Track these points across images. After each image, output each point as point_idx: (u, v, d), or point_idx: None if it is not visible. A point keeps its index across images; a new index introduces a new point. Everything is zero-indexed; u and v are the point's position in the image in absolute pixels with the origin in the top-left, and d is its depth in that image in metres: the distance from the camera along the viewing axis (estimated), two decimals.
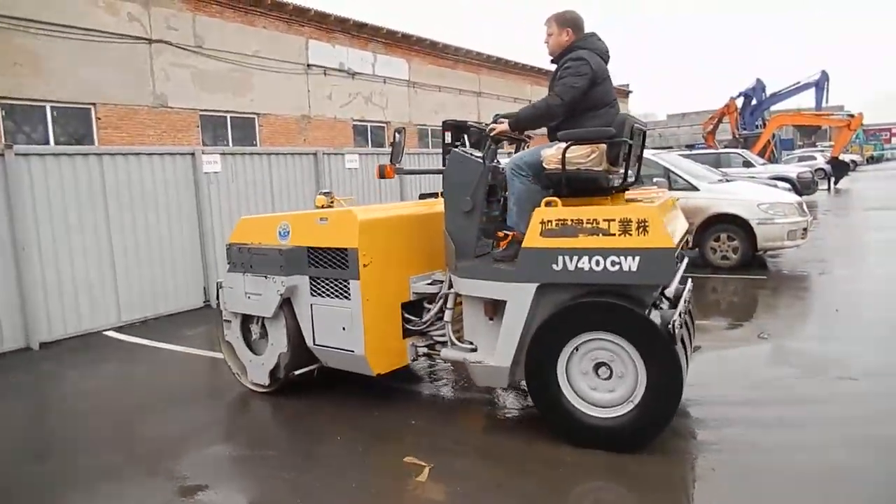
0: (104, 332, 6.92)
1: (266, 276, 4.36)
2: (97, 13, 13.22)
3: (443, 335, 4.12)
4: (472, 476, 3.39)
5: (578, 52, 3.78)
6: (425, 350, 4.28)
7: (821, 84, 20.20)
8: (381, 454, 3.80)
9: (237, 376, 4.86)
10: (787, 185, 13.64)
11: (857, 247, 10.45)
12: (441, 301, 4.14)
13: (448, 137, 9.55)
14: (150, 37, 14.19)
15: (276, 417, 4.44)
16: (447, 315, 4.06)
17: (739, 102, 26.12)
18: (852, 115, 20.96)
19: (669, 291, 3.48)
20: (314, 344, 4.32)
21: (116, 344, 6.60)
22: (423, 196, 9.23)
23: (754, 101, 25.75)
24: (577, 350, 3.54)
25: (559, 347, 3.53)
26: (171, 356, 6.12)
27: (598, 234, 3.37)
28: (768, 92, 25.89)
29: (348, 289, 4.07)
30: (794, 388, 4.40)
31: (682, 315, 3.57)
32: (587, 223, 3.39)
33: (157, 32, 14.33)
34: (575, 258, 3.41)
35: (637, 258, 3.29)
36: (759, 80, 25.62)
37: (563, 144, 3.59)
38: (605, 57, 3.89)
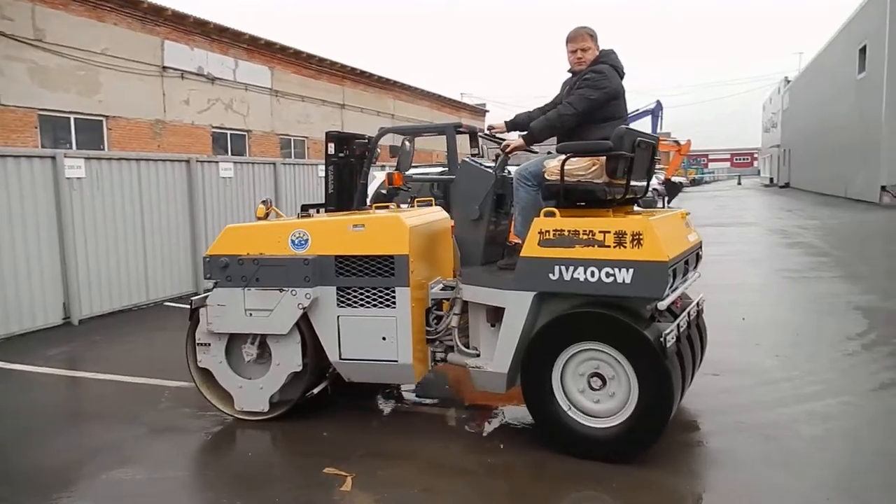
0: None
1: (281, 290, 4.02)
2: None
3: (450, 341, 4.12)
4: (396, 483, 3.46)
5: (601, 66, 3.92)
6: (442, 356, 4.18)
7: (656, 112, 22.28)
8: (299, 467, 3.76)
9: (215, 406, 4.34)
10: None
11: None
12: (451, 306, 4.12)
13: (331, 148, 9.41)
14: None
15: (176, 437, 4.21)
16: (453, 320, 4.06)
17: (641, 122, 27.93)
18: (678, 142, 23.26)
19: (662, 305, 3.43)
20: (340, 359, 4.08)
21: None
22: (304, 207, 9.11)
23: (657, 120, 27.60)
24: (571, 359, 3.57)
25: (554, 356, 3.56)
26: (36, 379, 5.55)
27: (593, 246, 3.41)
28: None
29: (393, 297, 3.94)
30: None
31: (682, 329, 3.57)
32: (583, 234, 3.44)
33: None
34: (571, 268, 3.45)
35: (631, 270, 3.33)
36: (658, 102, 27.53)
37: (562, 157, 3.65)
38: (621, 73, 4.02)
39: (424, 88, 33.08)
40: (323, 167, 9.62)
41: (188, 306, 4.31)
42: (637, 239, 3.34)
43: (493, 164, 4.12)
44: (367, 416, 4.48)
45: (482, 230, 3.96)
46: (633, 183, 3.76)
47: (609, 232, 3.40)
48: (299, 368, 4.13)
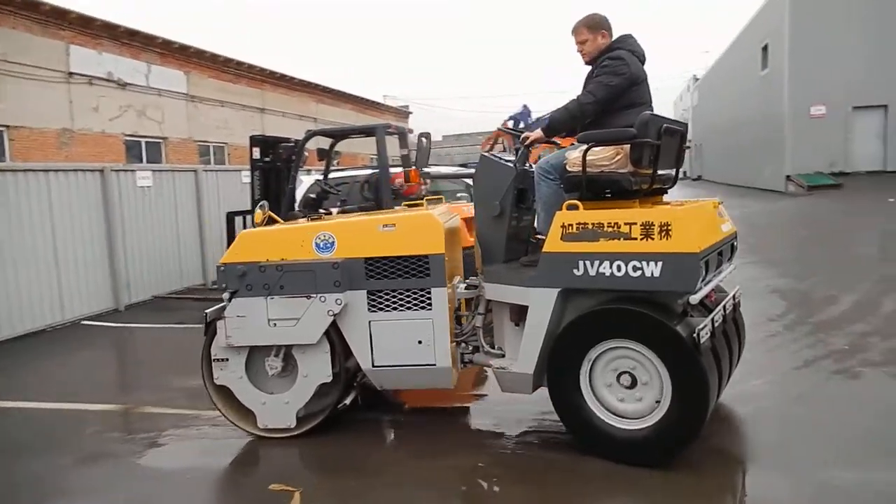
0: None
1: (309, 297, 3.80)
2: None
3: (475, 341, 4.00)
4: (346, 495, 3.37)
5: (618, 51, 3.79)
6: (469, 357, 4.04)
7: (522, 117, 23.01)
8: (241, 485, 3.60)
9: (236, 425, 4.06)
10: None
11: None
12: (475, 306, 3.99)
13: (256, 153, 9.12)
14: None
15: (106, 465, 3.95)
16: (478, 320, 3.95)
17: (511, 125, 28.55)
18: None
19: (694, 299, 3.24)
20: (373, 366, 3.86)
21: None
22: (230, 215, 8.81)
23: (522, 125, 28.31)
24: (600, 358, 3.41)
25: (581, 355, 3.40)
26: None
27: (619, 238, 3.25)
28: (534, 116, 28.63)
29: (429, 298, 3.77)
30: None
31: (717, 324, 3.37)
32: (608, 227, 3.28)
33: None
34: (596, 263, 3.30)
35: (660, 263, 3.17)
36: (525, 106, 28.24)
37: (583, 148, 3.49)
38: (642, 58, 3.89)
39: (348, 91, 32.74)
40: (247, 173, 9.40)
41: (202, 322, 3.97)
42: (665, 230, 3.18)
43: (512, 159, 4.01)
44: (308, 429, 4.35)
45: (503, 226, 3.83)
46: (659, 172, 3.58)
47: (635, 223, 3.24)
48: (329, 379, 3.91)
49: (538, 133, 3.88)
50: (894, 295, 6.83)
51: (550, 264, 3.44)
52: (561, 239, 3.39)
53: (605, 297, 3.42)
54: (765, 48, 24.85)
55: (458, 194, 8.55)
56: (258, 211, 4.23)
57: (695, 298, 3.24)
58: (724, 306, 3.61)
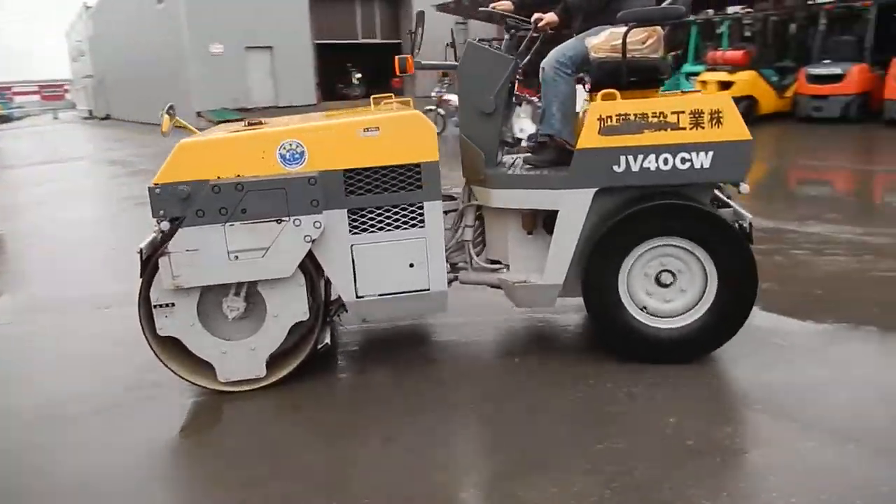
0: None
1: (280, 221, 3.10)
2: None
3: (460, 258, 3.64)
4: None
5: None
6: (454, 276, 3.60)
7: None
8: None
9: (190, 381, 3.30)
10: None
11: (30, 202, 10.61)
12: (461, 217, 3.61)
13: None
14: None
15: None
16: (468, 233, 3.58)
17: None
18: None
19: (744, 189, 3.24)
20: (356, 297, 3.32)
21: None
22: None
23: None
24: (640, 258, 3.27)
25: (622, 258, 3.22)
26: None
27: (666, 129, 3.07)
28: None
29: (421, 214, 3.28)
30: None
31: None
32: (653, 117, 3.07)
33: None
34: (640, 157, 3.10)
35: (710, 153, 3.07)
36: None
37: (615, 30, 3.24)
38: None
39: None
40: None
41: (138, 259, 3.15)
42: (717, 117, 3.07)
43: (499, 47, 3.60)
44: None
45: (497, 126, 3.45)
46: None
47: (683, 112, 3.07)
48: (305, 317, 3.30)
49: (552, 16, 3.48)
50: None
51: (587, 162, 3.19)
52: (598, 133, 3.14)
53: (633, 195, 3.24)
54: None
55: None
56: (165, 117, 3.44)
57: (745, 188, 3.27)
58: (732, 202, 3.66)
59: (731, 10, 14.95)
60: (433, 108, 13.67)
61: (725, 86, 12.51)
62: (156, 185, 3.14)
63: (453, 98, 13.10)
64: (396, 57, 3.74)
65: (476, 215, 3.62)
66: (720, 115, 3.10)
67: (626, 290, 3.30)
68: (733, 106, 3.14)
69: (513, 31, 3.62)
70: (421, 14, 3.70)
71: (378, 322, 4.02)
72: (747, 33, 14.92)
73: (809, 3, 13.95)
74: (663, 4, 3.37)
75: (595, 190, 3.21)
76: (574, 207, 3.24)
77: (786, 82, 13.65)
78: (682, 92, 3.80)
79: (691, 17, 15.26)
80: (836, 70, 12.33)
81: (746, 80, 13.00)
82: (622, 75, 3.28)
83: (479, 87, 3.44)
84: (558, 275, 3.32)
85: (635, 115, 3.12)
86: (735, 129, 3.11)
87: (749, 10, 14.96)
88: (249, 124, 3.52)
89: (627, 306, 3.29)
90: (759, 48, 13.89)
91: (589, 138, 3.16)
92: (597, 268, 3.24)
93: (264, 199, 3.11)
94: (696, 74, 14.17)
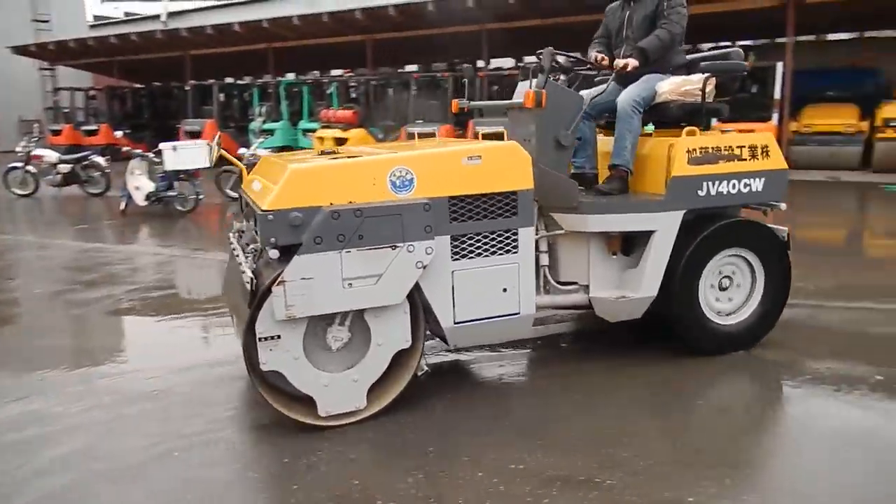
0: None
1: (394, 247, 3.10)
2: None
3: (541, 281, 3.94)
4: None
5: None
6: None
7: None
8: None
9: (290, 417, 3.16)
10: None
11: None
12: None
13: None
14: None
15: None
16: (542, 259, 3.81)
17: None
18: None
19: (783, 207, 3.99)
20: (454, 323, 3.35)
21: None
22: None
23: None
24: (711, 267, 3.88)
25: (702, 266, 3.82)
26: None
27: (734, 160, 3.79)
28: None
29: (515, 240, 3.42)
30: None
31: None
32: (725, 150, 3.77)
33: None
34: (717, 183, 3.76)
35: (762, 179, 3.85)
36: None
37: (679, 79, 3.94)
38: None
39: None
40: None
41: (248, 286, 3.01)
42: (765, 151, 3.86)
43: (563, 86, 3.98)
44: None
45: (568, 157, 3.84)
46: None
47: (744, 146, 3.82)
48: (408, 345, 3.28)
49: (634, 62, 3.92)
50: None
51: (679, 187, 3.73)
52: (688, 163, 3.71)
53: (699, 214, 3.81)
54: None
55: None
56: (215, 147, 3.52)
57: (783, 206, 4.01)
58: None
59: (334, 72, 16.21)
60: (18, 165, 11.42)
61: (340, 142, 13.53)
62: (267, 210, 3.01)
63: (48, 154, 11.21)
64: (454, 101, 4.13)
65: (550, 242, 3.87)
66: (768, 149, 3.89)
67: (703, 295, 3.88)
68: (775, 142, 3.96)
69: (570, 73, 4.21)
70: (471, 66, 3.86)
71: (467, 347, 4.02)
72: (353, 94, 16.35)
73: (400, 70, 15.96)
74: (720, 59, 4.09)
75: (683, 211, 3.75)
76: (668, 227, 3.74)
77: (390, 139, 15.27)
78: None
79: (302, 78, 16.24)
80: (430, 129, 14.20)
81: (357, 137, 14.22)
82: (704, 116, 3.94)
83: (557, 122, 3.68)
84: (652, 287, 3.75)
85: (712, 148, 3.77)
86: (778, 160, 3.91)
87: (351, 73, 16.43)
88: (323, 153, 3.55)
89: (703, 308, 3.88)
90: (365, 108, 15.30)
91: (681, 167, 3.72)
92: (686, 277, 3.77)
93: (381, 225, 3.10)
94: (313, 131, 14.94)
